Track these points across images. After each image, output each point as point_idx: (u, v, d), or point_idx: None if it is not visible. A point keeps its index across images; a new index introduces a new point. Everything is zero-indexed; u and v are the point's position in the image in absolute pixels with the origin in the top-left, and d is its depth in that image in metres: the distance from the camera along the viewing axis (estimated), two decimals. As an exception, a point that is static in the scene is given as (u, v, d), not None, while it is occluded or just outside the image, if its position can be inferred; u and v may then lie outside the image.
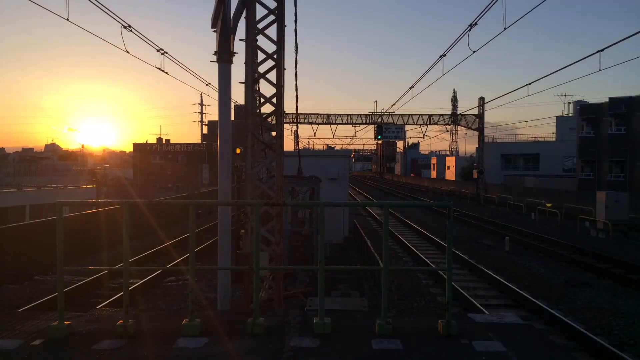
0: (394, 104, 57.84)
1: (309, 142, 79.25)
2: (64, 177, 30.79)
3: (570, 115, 67.54)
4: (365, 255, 14.84)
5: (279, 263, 7.75)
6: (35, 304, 10.56)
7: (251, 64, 7.74)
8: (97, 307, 10.45)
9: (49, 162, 47.15)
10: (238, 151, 13.45)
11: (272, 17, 7.68)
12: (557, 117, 69.95)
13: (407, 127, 55.60)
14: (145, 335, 4.71)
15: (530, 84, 26.64)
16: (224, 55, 7.49)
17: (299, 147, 12.55)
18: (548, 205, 29.81)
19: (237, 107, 27.28)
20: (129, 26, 13.48)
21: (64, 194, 25.27)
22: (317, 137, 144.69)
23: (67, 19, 12.50)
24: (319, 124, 46.61)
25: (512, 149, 63.96)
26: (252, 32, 7.70)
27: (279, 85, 7.81)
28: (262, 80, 7.94)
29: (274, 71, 7.82)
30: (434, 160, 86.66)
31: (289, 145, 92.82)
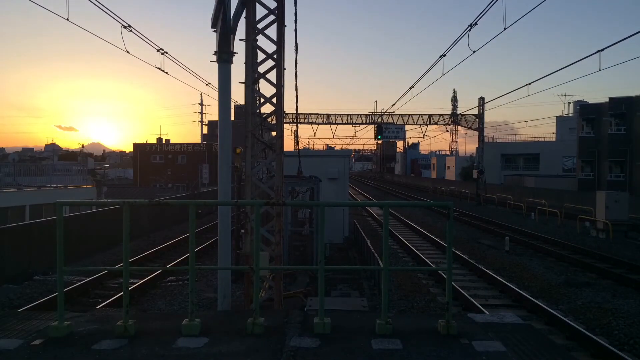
0: (394, 104, 57.81)
1: (309, 142, 79.28)
2: (64, 177, 30.80)
3: (570, 115, 67.51)
4: (365, 255, 14.85)
5: (278, 263, 7.75)
6: (35, 304, 10.56)
7: (251, 64, 7.74)
8: (97, 307, 10.45)
9: (49, 162, 47.15)
10: (238, 151, 13.47)
11: (272, 17, 7.68)
12: (557, 117, 69.94)
13: (407, 127, 55.57)
14: (145, 335, 4.71)
15: (530, 84, 26.61)
16: (224, 55, 7.49)
17: (298, 147, 12.54)
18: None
19: (237, 107, 27.32)
20: (129, 26, 13.49)
21: (64, 194, 25.27)
22: (317, 137, 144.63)
23: (67, 19, 12.51)
24: (319, 124, 46.61)
25: (512, 149, 63.91)
26: (252, 32, 7.69)
27: (279, 85, 7.81)
28: (262, 80, 7.94)
29: (274, 71, 7.81)
30: (434, 160, 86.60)
31: (289, 145, 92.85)
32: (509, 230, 23.08)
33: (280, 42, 7.69)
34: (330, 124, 46.85)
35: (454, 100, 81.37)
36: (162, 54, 17.01)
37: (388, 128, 52.58)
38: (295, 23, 8.14)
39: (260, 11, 7.73)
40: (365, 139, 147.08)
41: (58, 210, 4.89)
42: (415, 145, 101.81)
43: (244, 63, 7.76)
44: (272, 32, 7.72)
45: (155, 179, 55.11)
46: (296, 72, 8.69)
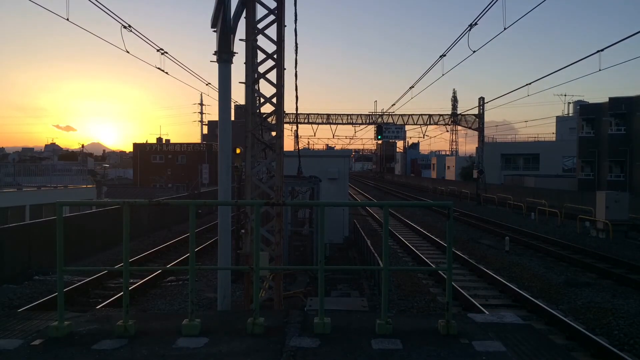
0: (394, 104, 57.79)
1: (309, 142, 79.28)
2: (64, 177, 30.78)
3: (570, 115, 67.51)
4: (365, 255, 14.85)
5: (278, 263, 7.75)
6: (35, 304, 10.56)
7: (251, 64, 7.74)
8: (97, 307, 10.46)
9: (49, 162, 47.15)
10: (238, 151, 13.48)
11: (272, 17, 7.68)
12: (557, 117, 69.94)
13: (407, 127, 55.62)
14: (145, 335, 4.71)
15: (530, 84, 26.55)
16: (224, 55, 7.49)
17: (298, 147, 12.55)
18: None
19: (237, 107, 27.31)
20: (129, 26, 13.48)
21: (64, 194, 25.26)
22: (317, 137, 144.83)
23: (67, 19, 12.51)
24: (319, 124, 46.59)
25: (512, 149, 63.90)
26: (252, 32, 7.70)
27: (279, 85, 7.81)
28: (262, 80, 7.94)
29: (274, 71, 7.82)
30: (434, 160, 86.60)
31: (289, 145, 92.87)
32: (509, 230, 23.07)
33: (280, 42, 7.69)
34: (330, 124, 46.84)
35: (454, 100, 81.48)
36: (162, 54, 17.01)
37: (388, 128, 52.60)
38: (295, 23, 8.15)
39: (260, 11, 7.73)
40: (365, 139, 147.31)
41: (58, 210, 4.89)
42: (415, 145, 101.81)
43: (244, 63, 7.76)
44: (272, 32, 7.73)
45: (155, 179, 55.12)
46: (296, 72, 8.70)
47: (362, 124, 47.82)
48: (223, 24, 7.42)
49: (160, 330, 4.84)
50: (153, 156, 59.52)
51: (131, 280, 11.52)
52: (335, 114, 46.51)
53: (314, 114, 45.97)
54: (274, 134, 8.38)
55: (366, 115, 47.74)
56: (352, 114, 46.96)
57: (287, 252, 12.60)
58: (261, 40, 7.81)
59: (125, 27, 13.41)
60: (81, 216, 18.80)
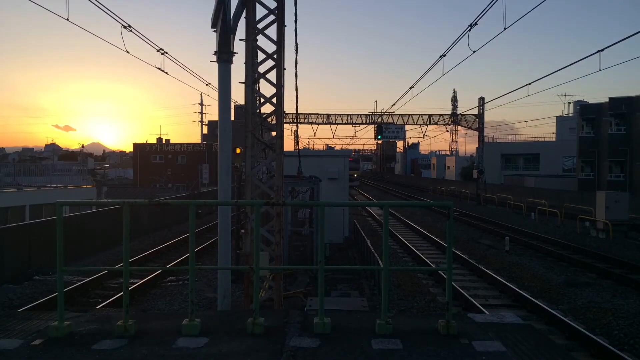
0: (394, 104, 57.81)
1: (309, 142, 79.31)
2: (64, 177, 30.77)
3: (570, 115, 67.51)
4: (366, 255, 14.85)
5: (278, 263, 7.75)
6: (35, 304, 10.57)
7: (251, 64, 7.74)
8: (97, 307, 10.46)
9: (49, 162, 47.14)
10: (238, 151, 13.49)
11: (272, 17, 7.68)
12: (557, 117, 69.96)
13: (407, 127, 55.70)
14: (145, 335, 4.71)
15: (530, 84, 26.57)
16: (224, 55, 7.49)
17: (298, 147, 12.54)
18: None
19: (237, 107, 27.32)
20: (129, 26, 13.48)
21: (64, 194, 25.25)
22: (317, 137, 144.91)
23: (67, 19, 12.51)
24: (319, 124, 46.58)
25: (512, 149, 63.88)
26: (252, 32, 7.70)
27: (279, 85, 7.81)
28: (262, 80, 7.94)
29: (274, 71, 7.82)
30: (434, 160, 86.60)
31: (289, 145, 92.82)
32: (509, 230, 23.07)
33: (280, 42, 7.69)
34: (330, 124, 46.83)
35: (454, 100, 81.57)
36: (162, 54, 17.01)
37: (388, 128, 52.64)
38: (295, 23, 8.15)
39: (260, 11, 7.73)
40: (365, 139, 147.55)
41: (58, 210, 4.89)
42: (415, 145, 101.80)
43: (244, 63, 7.76)
44: (272, 32, 7.73)
45: (155, 179, 55.09)
46: (296, 72, 8.71)
47: (362, 124, 47.82)
48: (223, 24, 7.42)
49: (160, 330, 4.84)
50: (153, 156, 59.51)
51: (131, 280, 11.52)
52: (335, 114, 46.52)
53: (314, 114, 45.96)
54: (274, 134, 8.38)
55: (366, 115, 47.74)
56: (352, 114, 46.98)
57: (287, 252, 12.60)
58: (261, 40, 7.81)
59: (125, 27, 13.42)
60: (81, 216, 18.80)
